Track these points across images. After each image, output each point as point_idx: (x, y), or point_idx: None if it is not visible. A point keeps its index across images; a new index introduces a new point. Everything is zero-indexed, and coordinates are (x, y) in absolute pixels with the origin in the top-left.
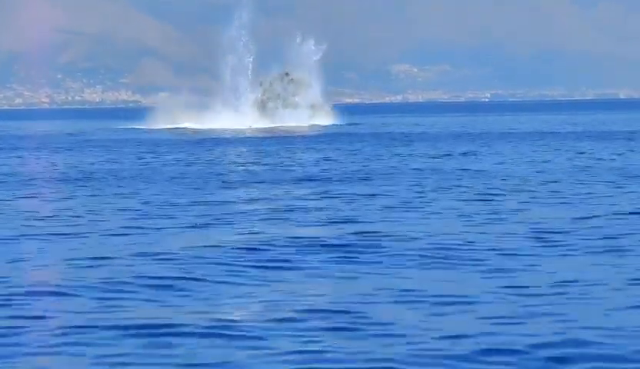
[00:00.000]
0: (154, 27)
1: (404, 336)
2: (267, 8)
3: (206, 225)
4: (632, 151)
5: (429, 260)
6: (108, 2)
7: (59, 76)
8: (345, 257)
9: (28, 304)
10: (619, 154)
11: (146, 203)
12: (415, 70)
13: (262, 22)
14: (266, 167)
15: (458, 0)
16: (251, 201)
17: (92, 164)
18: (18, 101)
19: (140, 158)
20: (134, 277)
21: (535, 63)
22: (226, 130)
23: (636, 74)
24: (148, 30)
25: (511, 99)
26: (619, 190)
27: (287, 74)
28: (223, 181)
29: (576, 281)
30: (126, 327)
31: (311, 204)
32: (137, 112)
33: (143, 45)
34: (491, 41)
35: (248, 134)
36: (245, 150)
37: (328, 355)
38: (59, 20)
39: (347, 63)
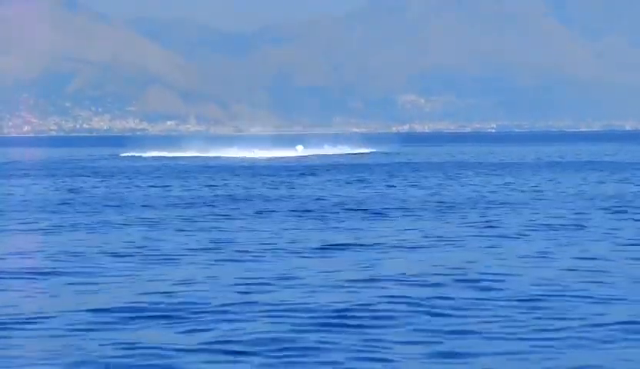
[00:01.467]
0: (161, 55)
1: None
2: (275, 36)
3: None
4: None
5: None
6: (115, 31)
7: (67, 104)
8: None
9: None
10: None
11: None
12: (422, 100)
13: (271, 50)
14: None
15: (465, 30)
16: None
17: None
18: (26, 128)
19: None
20: None
21: (541, 94)
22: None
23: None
24: (155, 58)
25: (517, 130)
26: None
27: None
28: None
29: None
30: None
31: None
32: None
33: (150, 73)
34: (497, 71)
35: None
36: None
37: None
38: (68, 48)
39: (353, 92)
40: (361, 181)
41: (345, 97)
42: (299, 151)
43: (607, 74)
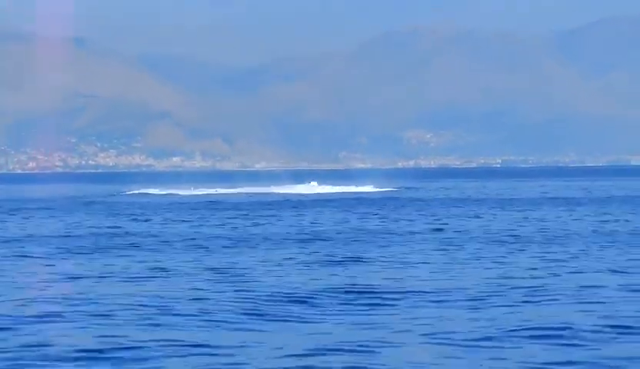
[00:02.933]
0: (168, 90)
1: None
2: (281, 72)
3: None
4: None
5: None
6: (123, 66)
7: (73, 140)
8: None
9: None
10: None
11: None
12: (428, 135)
13: (278, 86)
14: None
15: (470, 66)
16: None
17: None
18: (31, 164)
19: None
20: None
21: (546, 129)
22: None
23: None
24: (162, 93)
25: (522, 165)
26: None
27: None
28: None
29: None
30: None
31: None
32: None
33: (157, 109)
34: (502, 106)
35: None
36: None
37: None
38: (75, 84)
39: (358, 127)
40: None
41: (350, 132)
42: (314, 187)
43: (612, 109)
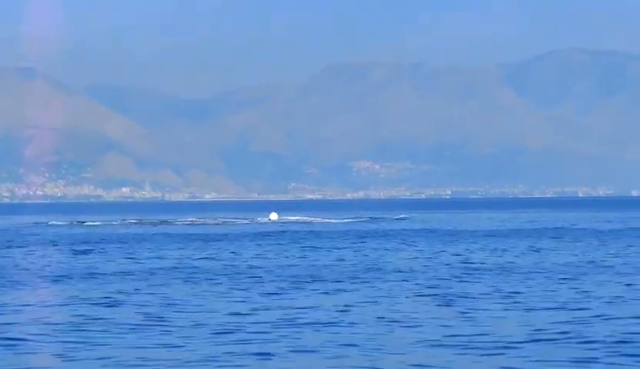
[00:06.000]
0: (118, 121)
1: None
2: (232, 103)
3: None
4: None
5: None
6: (73, 98)
7: (21, 170)
8: None
9: None
10: None
11: None
12: (377, 166)
13: (228, 117)
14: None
15: (420, 98)
16: None
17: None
18: None
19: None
20: None
21: (495, 161)
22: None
23: (593, 172)
24: (111, 124)
25: (472, 196)
26: None
27: None
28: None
29: None
30: None
31: None
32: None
33: (106, 140)
34: (452, 138)
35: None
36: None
37: None
38: (25, 116)
39: (308, 158)
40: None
41: (300, 163)
42: (273, 218)
43: (560, 142)
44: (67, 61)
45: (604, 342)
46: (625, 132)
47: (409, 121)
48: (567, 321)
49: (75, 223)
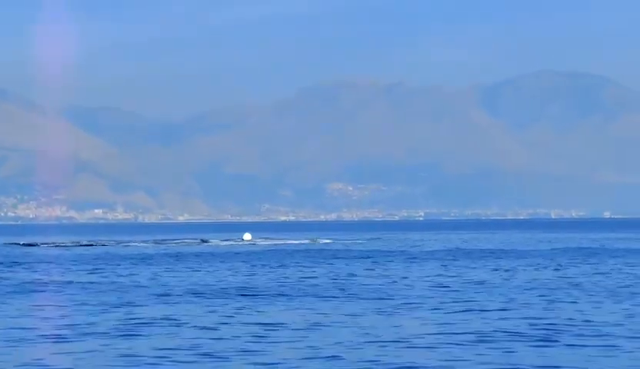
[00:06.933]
0: (90, 143)
1: None
2: (205, 125)
3: None
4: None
5: None
6: (46, 118)
7: None
8: None
9: None
10: None
11: None
12: (350, 188)
13: (202, 139)
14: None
15: (394, 119)
16: None
17: None
18: None
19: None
20: None
21: (469, 182)
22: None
23: (566, 194)
24: (84, 146)
25: (445, 217)
26: None
27: None
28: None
29: None
30: None
31: None
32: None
33: (79, 161)
34: (425, 159)
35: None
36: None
37: None
38: None
39: (282, 180)
40: None
41: (273, 185)
42: (247, 238)
43: (533, 163)
44: (40, 83)
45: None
46: (598, 154)
47: (383, 143)
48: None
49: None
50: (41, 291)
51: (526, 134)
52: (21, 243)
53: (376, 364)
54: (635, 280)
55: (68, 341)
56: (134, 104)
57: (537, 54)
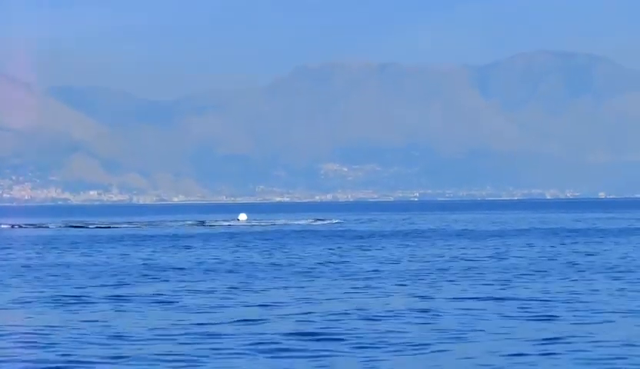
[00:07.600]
0: (83, 123)
1: None
2: (198, 106)
3: None
4: None
5: None
6: (37, 98)
7: None
8: None
9: None
10: None
11: None
12: (345, 169)
13: (194, 120)
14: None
15: (388, 100)
16: None
17: None
18: None
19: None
20: None
21: (463, 163)
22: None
23: (561, 174)
24: (77, 126)
25: (439, 198)
26: None
27: None
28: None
29: None
30: None
31: None
32: None
33: (72, 141)
34: (419, 140)
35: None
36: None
37: None
38: None
39: (276, 161)
40: None
41: (268, 166)
42: (242, 219)
43: (527, 144)
44: (32, 62)
45: None
46: (592, 133)
47: (376, 124)
48: None
49: None
50: None
51: (518, 114)
52: None
53: None
54: None
55: None
56: (127, 84)
57: (528, 34)
